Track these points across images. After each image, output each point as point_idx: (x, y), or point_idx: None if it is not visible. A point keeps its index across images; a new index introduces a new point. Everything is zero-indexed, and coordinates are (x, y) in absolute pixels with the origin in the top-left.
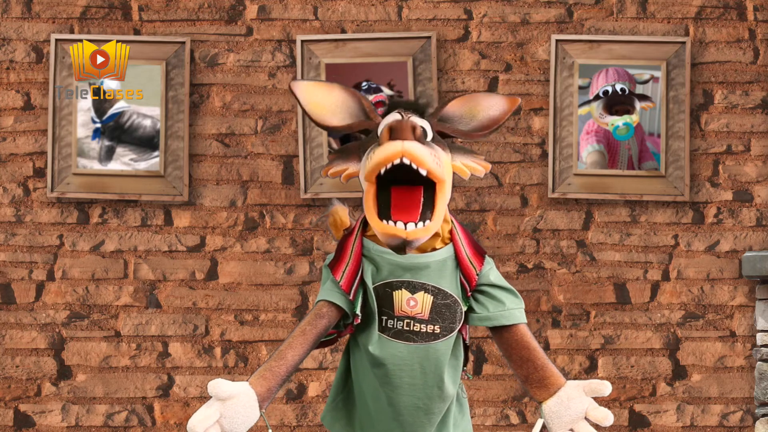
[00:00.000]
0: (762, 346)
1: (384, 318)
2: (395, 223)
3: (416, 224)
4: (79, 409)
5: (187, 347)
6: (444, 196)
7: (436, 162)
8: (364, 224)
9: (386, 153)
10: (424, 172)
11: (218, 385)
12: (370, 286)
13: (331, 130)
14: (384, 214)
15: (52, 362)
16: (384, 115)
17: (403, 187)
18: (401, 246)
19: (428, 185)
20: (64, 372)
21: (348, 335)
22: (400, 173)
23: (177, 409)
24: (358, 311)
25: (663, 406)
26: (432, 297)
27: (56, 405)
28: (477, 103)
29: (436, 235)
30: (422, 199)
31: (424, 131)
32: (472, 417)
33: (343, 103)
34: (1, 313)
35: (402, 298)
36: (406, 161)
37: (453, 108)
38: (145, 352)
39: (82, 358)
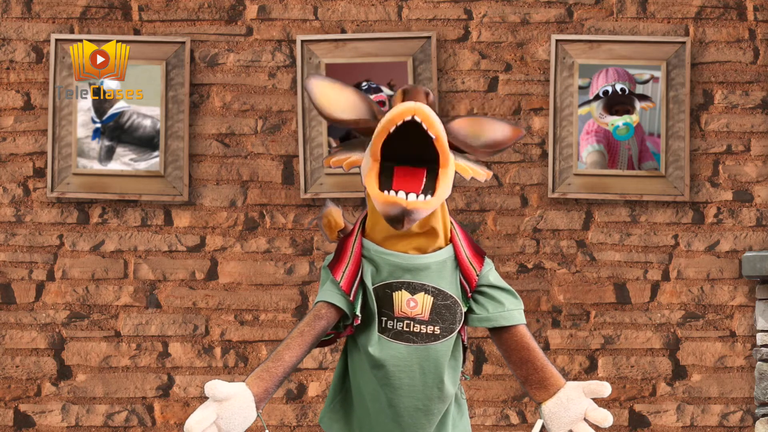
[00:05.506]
0: (762, 346)
1: (384, 319)
2: (396, 192)
3: (417, 195)
4: (79, 409)
5: (187, 347)
6: (447, 178)
7: (444, 135)
8: (364, 225)
9: (399, 110)
10: (433, 135)
11: (215, 386)
12: (370, 287)
13: (337, 123)
14: (385, 185)
15: (52, 362)
16: None
17: (407, 167)
18: (400, 217)
19: (431, 168)
20: (64, 372)
21: (346, 336)
22: (408, 145)
23: (177, 409)
24: (358, 312)
25: (663, 406)
26: (432, 298)
27: (56, 405)
28: (482, 126)
29: (437, 235)
30: (425, 180)
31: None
32: (472, 417)
33: (354, 105)
34: (1, 313)
35: (402, 299)
36: (418, 119)
37: (458, 126)
38: (145, 352)
39: (82, 358)
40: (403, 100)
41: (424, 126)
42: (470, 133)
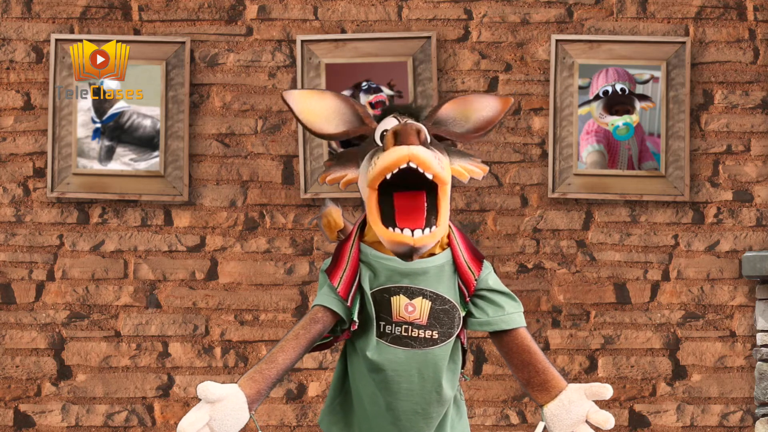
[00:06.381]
0: (762, 346)
1: (382, 323)
2: (401, 230)
3: (423, 231)
4: (79, 409)
5: (187, 347)
6: (447, 199)
7: (440, 165)
8: (362, 229)
9: (393, 158)
10: (430, 176)
11: (207, 388)
12: (368, 291)
13: (326, 138)
14: (389, 221)
15: (52, 362)
16: (379, 120)
17: (406, 192)
18: (408, 253)
19: (430, 189)
20: (64, 372)
21: (345, 339)
22: (404, 178)
23: (177, 409)
24: (355, 317)
25: (663, 406)
26: (430, 302)
27: (56, 405)
28: (470, 105)
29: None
30: (426, 205)
31: (427, 135)
32: (472, 417)
33: (337, 110)
34: (1, 313)
35: (400, 303)
36: (413, 165)
37: (446, 111)
38: (145, 352)
39: (82, 358)
40: (395, 142)
41: (421, 170)
42: (459, 115)
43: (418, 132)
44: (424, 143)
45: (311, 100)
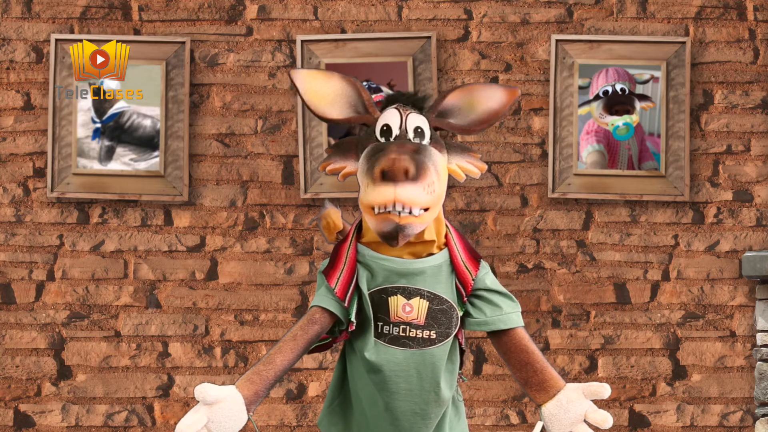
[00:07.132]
0: (762, 346)
1: (380, 324)
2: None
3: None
4: (79, 409)
5: (187, 347)
6: (440, 193)
7: (430, 191)
8: (359, 230)
9: (379, 199)
10: (417, 212)
11: (205, 390)
12: (366, 292)
13: (328, 122)
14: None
15: (52, 362)
16: (382, 109)
17: None
18: (394, 233)
19: None
20: (64, 372)
21: (343, 340)
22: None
23: (177, 409)
24: (353, 318)
25: (663, 406)
26: (427, 303)
27: (56, 405)
28: (476, 94)
29: (432, 240)
30: None
31: (417, 168)
32: (472, 417)
33: (342, 93)
34: (1, 313)
35: (397, 303)
36: (399, 208)
37: (452, 100)
38: (145, 352)
39: (82, 358)
40: (383, 179)
41: (407, 210)
42: (464, 104)
43: (406, 171)
44: (412, 179)
45: (317, 81)
